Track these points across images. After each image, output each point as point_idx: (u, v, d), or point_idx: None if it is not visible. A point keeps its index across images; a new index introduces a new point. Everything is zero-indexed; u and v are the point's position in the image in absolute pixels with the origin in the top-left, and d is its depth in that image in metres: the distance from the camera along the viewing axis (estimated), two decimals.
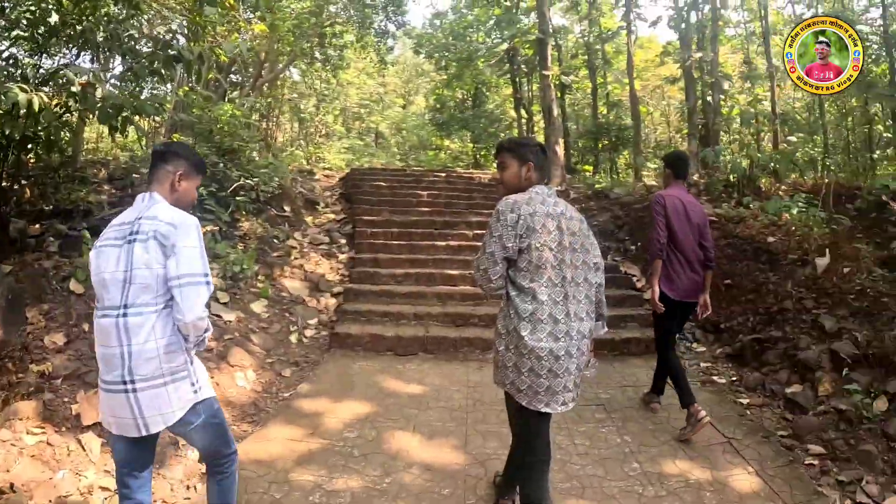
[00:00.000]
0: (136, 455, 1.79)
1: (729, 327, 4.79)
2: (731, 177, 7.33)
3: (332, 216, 7.86)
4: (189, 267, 1.66)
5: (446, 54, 18.48)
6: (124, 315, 1.64)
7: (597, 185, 9.34)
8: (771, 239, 5.01)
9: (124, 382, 1.64)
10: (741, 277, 4.97)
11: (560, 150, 10.23)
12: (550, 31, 10.34)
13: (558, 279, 1.98)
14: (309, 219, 7.69)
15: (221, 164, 6.55)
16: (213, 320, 3.94)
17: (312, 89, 17.33)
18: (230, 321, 4.60)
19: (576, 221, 2.09)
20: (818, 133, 8.47)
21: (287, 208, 7.54)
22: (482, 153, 20.93)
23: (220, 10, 5.80)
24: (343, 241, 7.09)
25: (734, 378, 4.33)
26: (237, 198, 6.41)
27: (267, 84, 14.30)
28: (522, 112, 17.67)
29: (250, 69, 13.46)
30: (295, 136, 19.38)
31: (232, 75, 13.27)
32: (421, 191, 8.91)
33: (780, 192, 6.90)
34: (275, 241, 6.70)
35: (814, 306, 4.31)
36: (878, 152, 8.83)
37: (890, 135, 8.51)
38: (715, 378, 4.36)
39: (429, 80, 24.55)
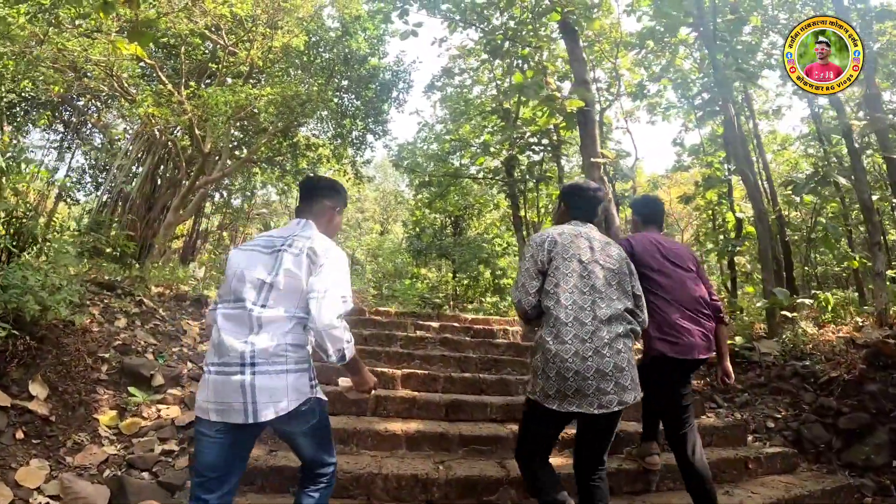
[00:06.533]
0: (226, 455, 1.66)
1: None
2: None
3: (177, 412, 3.15)
4: (332, 284, 1.71)
5: (430, 169, 15.48)
6: (262, 307, 1.69)
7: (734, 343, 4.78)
8: None
9: (242, 365, 1.62)
10: None
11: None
12: (597, 105, 6.79)
13: (586, 288, 2.07)
14: (105, 417, 2.99)
15: None
16: None
17: (286, 207, 14.79)
18: None
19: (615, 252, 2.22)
20: None
21: (39, 393, 2.89)
22: (463, 283, 16.78)
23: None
24: None
25: None
26: None
27: (212, 185, 11.24)
28: (525, 234, 13.99)
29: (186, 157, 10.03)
30: None
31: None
32: (395, 368, 4.00)
33: None
34: None
35: None
36: None
37: None
38: None
39: (407, 207, 22.19)
